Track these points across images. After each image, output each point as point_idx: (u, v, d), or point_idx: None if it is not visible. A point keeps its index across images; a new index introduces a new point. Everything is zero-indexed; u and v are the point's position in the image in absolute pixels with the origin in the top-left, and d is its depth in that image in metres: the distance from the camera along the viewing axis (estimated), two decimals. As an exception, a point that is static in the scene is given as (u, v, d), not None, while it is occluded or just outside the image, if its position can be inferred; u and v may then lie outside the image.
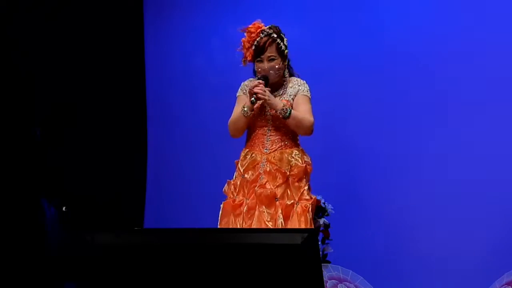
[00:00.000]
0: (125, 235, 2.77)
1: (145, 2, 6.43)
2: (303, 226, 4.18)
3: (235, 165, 4.45)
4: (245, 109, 4.26)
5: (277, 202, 4.18)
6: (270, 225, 4.14)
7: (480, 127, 5.46)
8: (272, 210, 4.17)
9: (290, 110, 4.20)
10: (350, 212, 5.73)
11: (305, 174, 4.31)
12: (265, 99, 4.16)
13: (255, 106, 4.26)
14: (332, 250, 5.40)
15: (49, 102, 5.89)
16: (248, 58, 4.32)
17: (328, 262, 5.36)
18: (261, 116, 4.31)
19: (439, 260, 5.50)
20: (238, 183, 4.31)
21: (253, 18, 6.09)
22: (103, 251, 2.72)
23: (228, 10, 6.19)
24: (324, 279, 5.31)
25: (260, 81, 4.22)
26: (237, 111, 4.37)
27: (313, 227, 4.26)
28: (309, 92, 4.34)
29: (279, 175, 4.22)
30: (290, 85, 4.33)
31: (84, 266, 2.75)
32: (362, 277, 5.43)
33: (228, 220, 4.26)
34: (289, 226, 4.15)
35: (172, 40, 6.38)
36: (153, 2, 6.44)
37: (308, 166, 4.33)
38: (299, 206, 4.21)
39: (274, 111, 4.25)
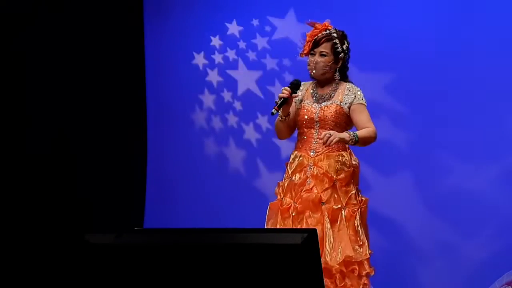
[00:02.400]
0: (125, 235, 2.77)
1: (145, 2, 6.43)
2: (350, 232, 4.18)
3: (285, 167, 4.42)
4: (281, 115, 4.27)
5: (323, 206, 4.16)
6: (318, 229, 4.11)
7: (481, 127, 5.46)
8: (318, 215, 4.16)
9: (356, 135, 4.15)
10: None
11: (352, 178, 4.28)
12: (334, 138, 4.07)
13: (290, 111, 4.27)
14: (332, 250, 5.39)
15: (48, 102, 5.88)
16: (305, 52, 4.33)
17: (328, 262, 5.35)
18: (308, 118, 4.28)
19: (439, 260, 5.50)
20: (286, 185, 4.28)
21: (253, 18, 6.11)
22: (103, 251, 2.72)
23: (228, 10, 6.19)
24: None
25: (286, 87, 4.22)
26: None
27: (362, 232, 4.24)
28: (364, 99, 4.32)
29: (325, 179, 4.19)
30: (345, 92, 4.29)
31: (85, 266, 2.75)
32: (362, 277, 5.41)
33: (275, 221, 4.25)
34: (335, 231, 4.15)
35: (172, 40, 6.38)
36: (153, 2, 6.44)
37: (355, 170, 4.30)
38: (346, 210, 4.19)
39: (322, 113, 4.24)
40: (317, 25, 4.34)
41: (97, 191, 5.99)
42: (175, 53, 6.36)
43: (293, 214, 4.19)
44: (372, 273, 4.35)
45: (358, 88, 4.34)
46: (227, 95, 6.21)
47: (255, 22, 6.10)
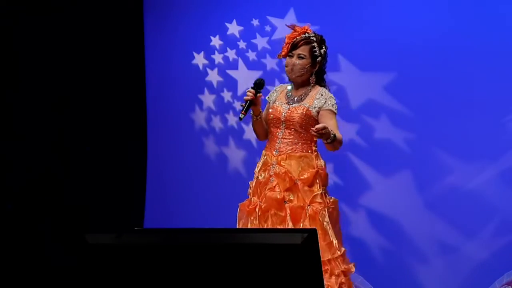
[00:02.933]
0: (125, 235, 2.77)
1: (145, 2, 6.43)
2: (318, 231, 4.14)
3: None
4: (251, 114, 4.33)
5: (286, 205, 4.17)
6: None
7: (480, 127, 5.46)
8: (283, 213, 4.16)
9: (334, 135, 4.13)
10: (350, 212, 5.73)
11: (316, 179, 4.26)
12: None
13: (275, 103, 4.32)
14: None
15: (48, 102, 5.89)
16: (283, 53, 4.36)
17: (328, 262, 5.35)
18: (275, 118, 4.30)
19: (439, 260, 5.50)
20: (254, 184, 4.33)
21: (253, 18, 6.12)
22: (103, 251, 2.72)
23: (228, 10, 6.19)
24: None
25: (250, 89, 4.25)
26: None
27: (330, 231, 4.19)
28: (335, 106, 4.31)
29: (287, 179, 4.21)
30: (316, 96, 4.30)
31: (85, 266, 2.75)
32: (362, 277, 5.42)
33: (246, 222, 4.26)
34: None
35: (172, 40, 6.38)
36: (153, 2, 6.44)
37: (321, 171, 4.29)
38: (310, 209, 4.18)
39: (289, 114, 4.25)
40: (296, 28, 4.37)
41: (97, 191, 5.99)
42: (175, 53, 6.36)
43: (259, 213, 4.20)
44: (352, 270, 4.33)
45: (331, 95, 4.34)
46: (227, 95, 6.21)
47: (255, 22, 6.10)
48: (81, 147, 6.02)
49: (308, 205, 4.18)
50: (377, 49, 5.72)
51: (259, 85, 4.28)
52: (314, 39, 4.34)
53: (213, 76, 6.24)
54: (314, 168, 4.26)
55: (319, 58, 4.34)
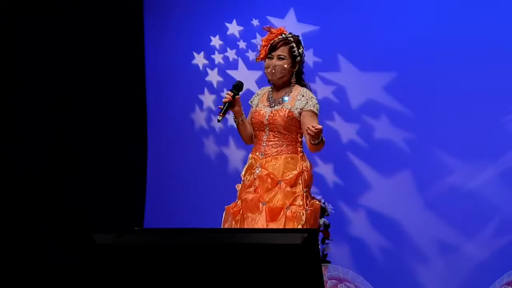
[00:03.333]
0: (125, 235, 2.77)
1: (145, 2, 6.43)
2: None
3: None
4: (234, 118, 4.33)
5: (263, 206, 4.13)
6: None
7: (481, 127, 5.46)
8: (256, 215, 4.12)
9: (322, 138, 4.11)
10: (350, 212, 5.73)
11: (299, 180, 4.21)
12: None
13: (257, 106, 4.30)
14: (332, 250, 5.40)
15: (48, 101, 5.89)
16: (261, 56, 4.33)
17: (328, 262, 5.36)
18: (259, 121, 4.28)
19: (439, 260, 5.50)
20: (240, 187, 4.31)
21: (253, 18, 6.12)
22: (103, 251, 2.72)
23: (228, 10, 6.19)
24: (324, 279, 5.31)
25: (228, 91, 4.25)
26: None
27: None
28: (317, 107, 4.27)
29: (269, 180, 4.17)
30: (298, 96, 4.27)
31: (85, 266, 2.75)
32: (362, 277, 5.43)
33: (231, 225, 4.24)
34: (272, 226, 4.08)
35: (172, 40, 6.38)
36: (153, 2, 6.44)
37: (306, 172, 4.24)
38: (289, 211, 4.11)
39: (272, 117, 4.24)
40: (272, 29, 4.35)
41: (97, 191, 5.99)
42: (175, 53, 6.36)
43: (240, 216, 4.19)
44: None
45: (313, 95, 4.31)
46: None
47: (255, 22, 6.10)
48: (81, 147, 6.02)
49: (287, 207, 4.13)
50: (377, 49, 5.72)
51: (237, 87, 4.27)
52: (292, 39, 4.31)
53: (213, 76, 6.24)
54: (298, 169, 4.22)
55: (298, 57, 4.30)
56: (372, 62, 5.76)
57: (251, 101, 4.42)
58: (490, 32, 5.46)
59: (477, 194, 5.42)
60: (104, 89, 6.14)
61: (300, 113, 4.23)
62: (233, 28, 6.17)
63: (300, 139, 4.29)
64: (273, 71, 4.27)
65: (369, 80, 5.77)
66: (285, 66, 4.27)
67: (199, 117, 6.28)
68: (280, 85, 4.33)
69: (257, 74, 6.06)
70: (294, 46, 4.30)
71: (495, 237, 5.37)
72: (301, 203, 4.14)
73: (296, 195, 4.16)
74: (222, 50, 6.21)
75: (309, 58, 5.93)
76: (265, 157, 4.23)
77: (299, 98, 4.27)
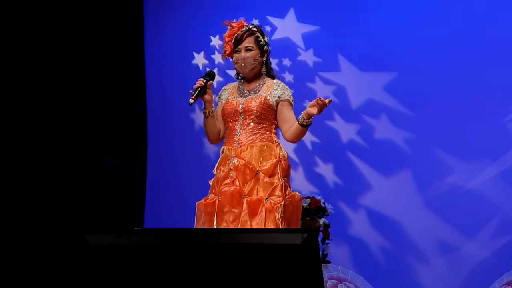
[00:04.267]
0: (125, 235, 2.77)
1: (145, 2, 6.43)
2: (270, 225, 4.00)
3: None
4: (203, 111, 4.21)
5: (244, 200, 4.05)
6: (234, 226, 4.01)
7: (481, 127, 5.46)
8: (237, 210, 4.05)
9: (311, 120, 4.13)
10: (350, 212, 5.73)
11: (277, 169, 4.13)
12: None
13: (228, 99, 4.23)
14: (332, 250, 5.40)
15: (48, 101, 5.88)
16: (227, 52, 4.28)
17: (328, 262, 5.36)
18: (232, 111, 4.19)
19: (439, 260, 5.50)
20: (213, 181, 4.21)
21: (253, 18, 6.12)
22: (103, 251, 2.72)
23: (228, 10, 6.19)
24: (324, 279, 5.31)
25: (201, 79, 4.20)
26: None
27: (280, 227, 4.04)
28: (292, 98, 4.25)
29: (247, 171, 4.09)
30: (273, 87, 4.22)
31: (85, 266, 2.75)
32: (362, 277, 5.43)
33: (205, 220, 4.14)
34: (254, 224, 4.01)
35: (172, 40, 6.38)
36: (153, 2, 6.44)
37: (283, 161, 4.16)
38: (268, 202, 4.03)
39: (246, 105, 4.17)
40: (233, 24, 4.29)
41: (97, 191, 5.99)
42: (175, 53, 6.36)
43: (216, 209, 4.08)
44: None
45: (287, 86, 4.29)
46: (227, 95, 6.21)
47: (255, 22, 6.08)
48: (81, 147, 6.01)
49: (266, 198, 4.05)
50: (377, 49, 5.72)
51: (210, 75, 4.22)
52: (256, 29, 4.26)
53: (213, 76, 6.23)
54: (276, 158, 4.15)
55: (265, 46, 4.25)
56: (372, 62, 5.76)
57: (219, 97, 4.32)
58: (490, 32, 5.46)
59: (477, 194, 5.43)
60: (104, 89, 6.13)
61: (277, 102, 4.19)
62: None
63: (274, 130, 4.24)
64: (243, 64, 4.21)
65: (369, 80, 5.77)
66: (255, 56, 4.22)
67: (199, 117, 6.27)
68: (251, 78, 4.26)
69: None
70: (260, 36, 4.24)
71: (495, 237, 5.37)
72: (279, 193, 4.06)
73: (274, 185, 4.08)
74: (222, 50, 6.20)
75: (309, 58, 5.94)
76: (240, 146, 4.15)
77: (275, 88, 4.23)
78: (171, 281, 2.66)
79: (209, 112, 4.20)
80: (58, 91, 5.93)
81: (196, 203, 4.20)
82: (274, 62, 6.04)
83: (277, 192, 4.06)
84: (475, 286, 5.34)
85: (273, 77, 4.30)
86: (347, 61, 5.84)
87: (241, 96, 4.22)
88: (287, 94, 4.23)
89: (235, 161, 4.12)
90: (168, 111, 6.38)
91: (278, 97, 4.20)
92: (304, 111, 4.11)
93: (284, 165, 4.15)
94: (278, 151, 4.17)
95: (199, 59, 6.28)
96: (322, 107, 4.04)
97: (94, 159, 6.06)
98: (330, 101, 4.07)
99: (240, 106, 4.18)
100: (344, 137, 5.84)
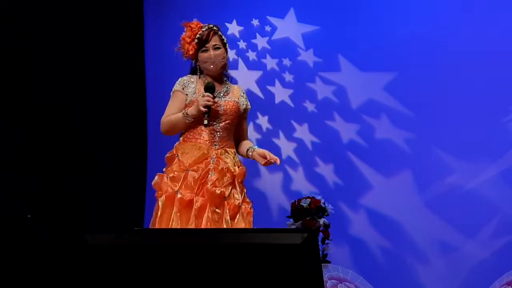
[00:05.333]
0: (125, 235, 2.77)
1: (145, 2, 6.43)
2: (247, 227, 4.08)
3: (167, 159, 4.29)
4: (189, 117, 4.13)
5: (225, 202, 4.07)
6: (218, 225, 4.03)
7: (481, 127, 5.46)
8: (221, 210, 4.06)
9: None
10: (350, 212, 5.73)
11: (244, 176, 4.22)
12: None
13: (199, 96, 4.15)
14: (332, 250, 5.40)
15: (48, 101, 5.88)
16: (191, 52, 4.23)
17: (328, 262, 5.36)
18: (213, 111, 4.12)
19: (439, 260, 5.50)
20: (182, 176, 4.12)
21: (253, 18, 6.12)
22: (103, 252, 2.72)
23: (228, 10, 6.19)
24: (324, 279, 5.31)
25: (207, 93, 4.08)
26: (173, 110, 4.25)
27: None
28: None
29: (228, 175, 4.11)
30: (240, 93, 4.23)
31: (85, 266, 2.75)
32: (362, 277, 5.43)
33: (169, 215, 4.10)
34: (236, 226, 4.05)
35: (172, 40, 6.37)
36: (153, 2, 6.44)
37: (244, 168, 4.23)
38: (243, 207, 4.11)
39: (226, 108, 4.13)
40: (191, 24, 4.24)
41: (97, 191, 5.99)
42: (175, 53, 6.35)
43: (196, 206, 4.04)
44: None
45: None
46: (227, 95, 6.21)
47: (255, 22, 6.10)
48: (81, 147, 6.01)
49: (242, 203, 4.11)
50: (377, 49, 5.72)
51: (213, 89, 4.13)
52: (216, 28, 4.23)
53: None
54: (240, 165, 4.19)
55: (227, 45, 4.25)
56: (372, 62, 5.76)
57: (183, 88, 4.26)
58: (491, 32, 5.46)
59: (477, 194, 5.43)
60: (104, 89, 6.13)
61: (244, 110, 4.23)
62: (233, 28, 6.17)
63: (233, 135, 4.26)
64: (215, 62, 4.17)
65: (369, 80, 5.77)
66: (223, 54, 4.20)
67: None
68: (218, 76, 4.23)
69: (257, 74, 6.07)
70: (222, 34, 4.22)
71: (495, 237, 5.37)
72: (248, 200, 4.17)
73: (244, 191, 4.17)
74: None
75: (309, 58, 5.94)
76: (218, 148, 4.15)
77: (241, 94, 4.25)
78: (171, 281, 2.66)
79: (192, 119, 4.13)
80: (58, 91, 5.93)
81: (165, 195, 4.11)
82: (274, 62, 6.06)
83: (247, 198, 4.17)
84: (475, 286, 5.34)
85: (227, 77, 4.29)
86: (347, 61, 5.84)
87: (217, 96, 4.16)
88: (249, 103, 4.29)
89: (220, 164, 4.11)
90: (168, 111, 6.37)
91: (245, 105, 4.25)
92: (255, 152, 4.15)
93: (244, 172, 4.23)
94: (238, 158, 4.23)
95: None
96: (268, 164, 4.09)
97: (94, 159, 6.06)
98: (279, 163, 4.12)
99: (221, 108, 4.15)
100: (344, 137, 5.84)
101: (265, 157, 4.09)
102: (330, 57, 5.89)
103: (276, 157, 4.10)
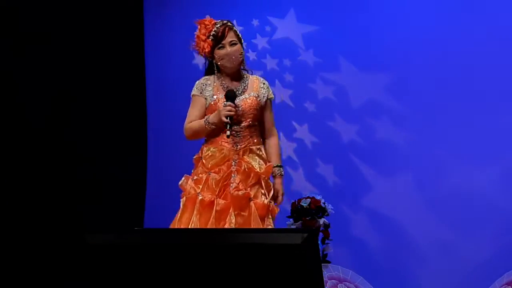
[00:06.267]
0: (125, 235, 2.77)
1: (145, 2, 6.43)
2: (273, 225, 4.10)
3: (194, 161, 4.29)
4: (210, 124, 4.11)
5: (251, 203, 4.05)
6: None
7: (482, 127, 5.46)
8: (246, 212, 4.03)
9: (281, 169, 4.20)
10: (350, 212, 5.73)
11: (270, 173, 4.18)
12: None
13: (218, 97, 4.15)
14: (332, 250, 5.40)
15: (48, 101, 5.88)
16: (207, 50, 4.16)
17: (328, 262, 5.36)
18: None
19: (439, 260, 5.50)
20: (204, 179, 4.12)
21: (253, 18, 6.12)
22: (103, 251, 2.72)
23: (228, 10, 6.19)
24: (324, 279, 5.31)
25: (229, 103, 4.04)
26: (194, 115, 4.23)
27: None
28: (273, 94, 4.26)
29: (252, 175, 4.08)
30: (259, 84, 4.19)
31: (85, 266, 2.75)
32: (362, 277, 5.43)
33: (190, 216, 4.09)
34: (264, 226, 4.04)
35: (172, 40, 6.38)
36: (153, 2, 6.44)
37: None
38: (271, 205, 4.11)
39: (244, 107, 4.09)
40: (204, 21, 4.20)
41: (97, 191, 5.99)
42: (175, 52, 6.36)
43: (217, 208, 4.03)
44: None
45: (267, 83, 4.27)
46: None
47: (255, 22, 6.10)
48: (81, 147, 6.02)
49: (270, 201, 4.11)
50: (377, 49, 5.73)
51: (234, 97, 4.09)
52: (231, 24, 4.19)
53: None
54: (268, 162, 4.17)
55: (242, 40, 4.21)
56: (372, 62, 5.76)
57: (200, 91, 4.22)
58: (491, 32, 5.46)
59: (477, 194, 5.43)
60: (104, 89, 6.13)
61: (265, 102, 4.20)
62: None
63: (259, 129, 4.24)
64: (232, 58, 4.13)
65: (369, 80, 5.78)
66: (240, 50, 4.15)
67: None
68: (235, 73, 4.19)
69: (257, 74, 6.05)
70: (236, 30, 4.20)
71: (495, 237, 5.37)
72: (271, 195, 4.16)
73: (271, 187, 4.15)
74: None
75: (310, 58, 5.94)
76: (240, 149, 4.12)
77: (261, 86, 4.21)
78: (171, 281, 2.66)
79: (214, 126, 4.11)
80: (58, 91, 5.93)
81: (187, 197, 4.12)
82: (274, 62, 6.07)
83: (271, 194, 4.16)
84: (475, 286, 5.34)
85: (247, 71, 4.25)
86: (347, 61, 5.84)
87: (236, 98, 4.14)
88: (270, 91, 4.25)
89: (243, 165, 4.09)
90: (168, 111, 6.37)
91: (266, 97, 4.20)
92: (275, 187, 4.20)
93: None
94: (265, 155, 4.20)
95: (199, 59, 6.27)
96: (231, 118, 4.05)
97: (94, 159, 6.06)
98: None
99: (239, 109, 4.10)
100: (345, 137, 5.84)
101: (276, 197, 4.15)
102: (330, 57, 5.90)
103: (279, 201, 4.18)
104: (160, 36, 6.40)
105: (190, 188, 4.13)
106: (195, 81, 6.45)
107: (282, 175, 4.22)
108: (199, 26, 4.22)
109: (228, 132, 4.02)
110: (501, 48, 5.43)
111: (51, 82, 5.88)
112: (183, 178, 4.24)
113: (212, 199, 4.06)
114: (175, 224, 4.16)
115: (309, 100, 5.95)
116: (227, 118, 4.01)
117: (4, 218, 5.58)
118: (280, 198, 4.17)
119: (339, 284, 5.48)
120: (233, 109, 4.02)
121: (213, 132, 4.17)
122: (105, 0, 6.12)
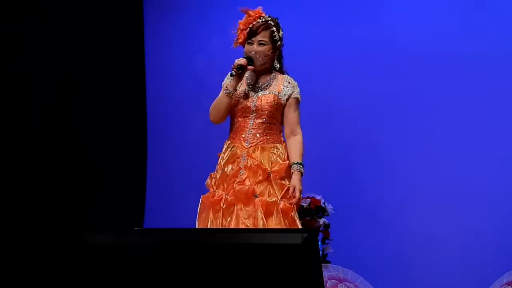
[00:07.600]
0: (125, 235, 2.77)
1: (145, 2, 6.43)
2: (286, 226, 4.04)
3: (218, 158, 4.30)
4: (229, 88, 4.12)
5: (256, 199, 4.04)
6: (248, 223, 4.01)
7: (481, 127, 5.47)
8: (250, 208, 4.03)
9: (301, 165, 4.15)
10: (350, 212, 5.73)
11: (287, 172, 4.15)
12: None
13: (238, 90, 4.15)
14: (332, 250, 5.40)
15: (48, 101, 5.88)
16: (240, 41, 4.19)
17: (328, 262, 5.36)
18: (244, 106, 4.16)
19: (439, 260, 5.50)
20: (218, 176, 4.16)
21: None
22: (103, 251, 2.72)
23: (228, 10, 6.18)
24: (324, 279, 5.31)
25: (242, 59, 4.10)
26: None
27: (298, 226, 4.11)
28: (300, 95, 4.24)
29: (259, 171, 4.07)
30: (284, 83, 4.18)
31: (85, 266, 2.75)
32: (362, 277, 5.43)
33: (208, 215, 4.12)
34: (271, 225, 4.01)
35: (172, 40, 6.38)
36: (153, 2, 6.44)
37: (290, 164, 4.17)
38: (282, 204, 4.05)
39: (259, 103, 4.12)
40: (250, 12, 4.21)
41: (97, 191, 5.99)
42: (175, 53, 6.36)
43: (224, 206, 4.06)
44: None
45: (297, 83, 4.24)
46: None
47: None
48: (81, 146, 6.02)
49: (280, 199, 4.06)
50: (377, 49, 5.73)
51: (251, 60, 4.12)
52: (272, 23, 4.19)
53: (213, 76, 6.23)
54: (285, 160, 4.15)
55: (279, 42, 4.19)
56: (371, 62, 5.76)
57: (224, 83, 4.25)
58: (491, 32, 5.46)
59: (477, 194, 5.43)
60: (104, 89, 6.13)
61: (287, 100, 4.17)
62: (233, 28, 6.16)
63: (281, 129, 4.22)
64: (256, 56, 4.14)
65: (368, 79, 5.78)
66: (267, 52, 4.16)
67: (199, 117, 6.27)
68: (261, 71, 4.20)
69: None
70: (275, 30, 4.18)
71: (495, 237, 5.37)
72: (289, 195, 4.11)
73: (285, 187, 4.11)
74: (223, 50, 6.20)
75: (309, 58, 5.94)
76: (250, 146, 4.12)
77: (285, 85, 4.20)
78: (171, 281, 2.66)
79: (232, 92, 4.13)
80: (58, 90, 5.93)
81: (202, 196, 4.18)
82: (274, 62, 6.06)
83: (289, 194, 4.09)
84: (475, 286, 5.34)
85: (283, 72, 4.24)
86: (346, 61, 5.84)
87: (252, 90, 4.17)
88: (296, 91, 4.22)
89: (248, 161, 4.09)
90: (168, 111, 6.38)
91: (289, 95, 4.18)
92: (291, 183, 4.14)
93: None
94: (287, 153, 4.17)
95: (199, 59, 6.27)
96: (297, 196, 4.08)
97: (94, 159, 6.06)
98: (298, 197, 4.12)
99: (253, 104, 4.13)
100: (345, 137, 5.84)
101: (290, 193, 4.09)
102: (330, 57, 5.89)
103: (296, 197, 4.10)
104: (160, 36, 6.40)
105: (209, 186, 4.21)
106: (195, 81, 6.48)
107: (301, 172, 4.15)
108: (245, 15, 4.22)
109: (233, 72, 4.07)
110: (500, 48, 5.44)
111: (51, 82, 5.88)
112: (208, 178, 4.29)
113: (221, 196, 4.09)
114: (196, 222, 4.21)
115: (308, 100, 5.94)
116: (236, 68, 4.06)
117: (4, 218, 5.58)
118: (297, 194, 4.09)
119: (339, 284, 5.48)
120: (243, 60, 4.07)
121: (231, 129, 4.22)
122: (105, 2, 6.12)
